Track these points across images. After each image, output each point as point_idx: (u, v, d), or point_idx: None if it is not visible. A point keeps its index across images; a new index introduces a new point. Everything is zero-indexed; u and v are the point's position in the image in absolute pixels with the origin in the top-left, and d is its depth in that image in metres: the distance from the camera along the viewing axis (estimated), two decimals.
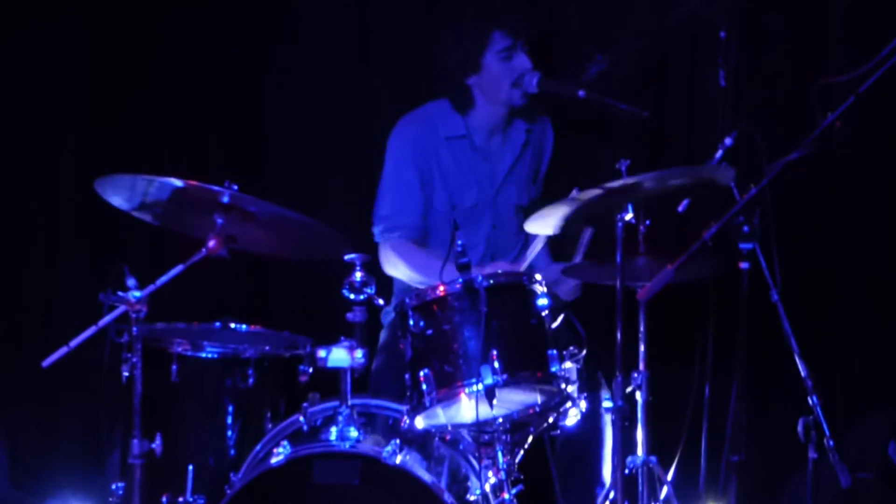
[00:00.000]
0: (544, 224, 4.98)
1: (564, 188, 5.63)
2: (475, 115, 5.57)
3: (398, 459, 4.53)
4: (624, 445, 4.79)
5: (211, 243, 4.57)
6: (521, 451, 4.79)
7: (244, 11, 6.19)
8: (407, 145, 5.56)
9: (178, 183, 4.56)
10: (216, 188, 4.54)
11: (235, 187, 4.57)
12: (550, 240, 5.32)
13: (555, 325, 4.72)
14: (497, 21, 5.45)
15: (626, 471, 4.86)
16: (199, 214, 4.63)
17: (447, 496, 4.53)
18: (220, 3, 6.22)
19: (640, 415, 4.96)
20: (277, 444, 4.66)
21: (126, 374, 4.60)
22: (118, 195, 4.71)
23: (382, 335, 5.56)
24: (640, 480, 4.93)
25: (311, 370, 4.89)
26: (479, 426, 4.60)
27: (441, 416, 4.69)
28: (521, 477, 4.74)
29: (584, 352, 4.78)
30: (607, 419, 5.08)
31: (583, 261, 5.20)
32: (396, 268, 5.45)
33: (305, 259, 5.03)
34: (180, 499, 4.86)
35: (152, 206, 4.74)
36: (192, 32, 6.25)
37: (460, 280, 4.59)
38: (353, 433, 4.63)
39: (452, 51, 5.52)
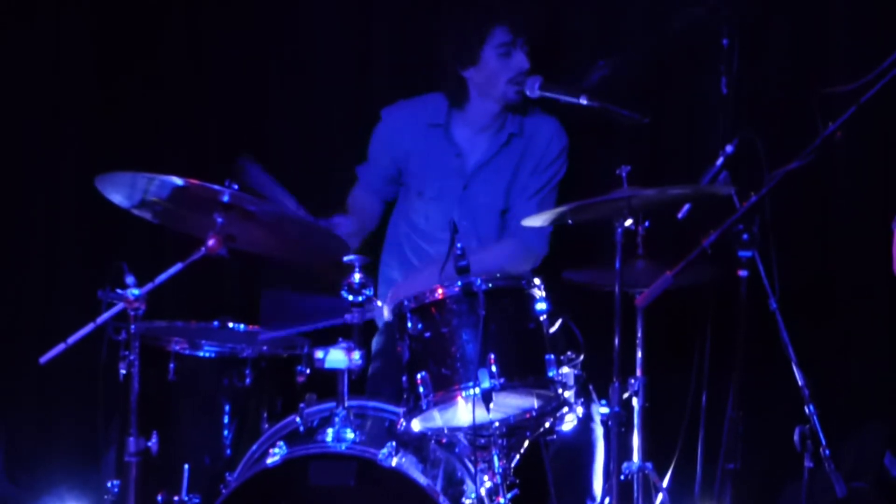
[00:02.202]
0: (537, 220, 5.05)
1: (564, 192, 5.68)
2: (468, 110, 5.59)
3: (394, 462, 4.53)
4: (620, 452, 4.79)
5: (210, 242, 4.57)
6: (517, 456, 4.79)
7: (245, 8, 6.19)
8: (391, 125, 5.68)
9: (178, 181, 4.56)
10: (216, 187, 4.54)
11: (236, 187, 4.57)
12: None
13: (553, 329, 4.72)
14: (499, 16, 5.47)
15: (622, 477, 4.86)
16: (199, 213, 4.63)
17: (442, 499, 4.53)
18: (221, 1, 6.22)
19: (636, 421, 4.97)
20: (273, 445, 4.66)
21: (123, 371, 4.60)
22: (118, 192, 4.71)
23: (378, 340, 5.57)
24: (635, 487, 4.95)
25: (308, 371, 4.90)
26: (475, 430, 4.60)
27: (437, 419, 4.70)
28: (517, 481, 4.74)
29: (582, 357, 4.78)
30: (598, 434, 5.08)
31: None
32: None
33: (304, 261, 5.03)
34: (175, 497, 4.86)
35: (152, 204, 4.74)
36: (192, 30, 6.26)
37: (459, 283, 4.59)
38: (350, 435, 4.63)
39: (452, 41, 5.55)
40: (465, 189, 5.61)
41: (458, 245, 4.63)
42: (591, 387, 5.01)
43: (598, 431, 5.09)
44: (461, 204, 5.59)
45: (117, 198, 4.74)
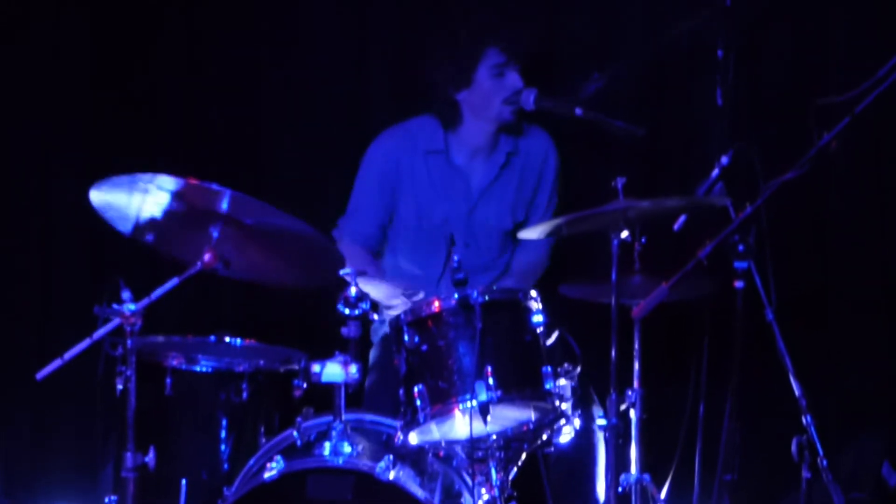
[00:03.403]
0: (534, 232, 5.08)
1: (561, 204, 5.68)
2: (461, 132, 5.57)
3: (391, 475, 4.52)
4: (618, 463, 4.79)
5: (206, 257, 4.57)
6: (515, 468, 4.78)
7: (243, 23, 6.20)
8: (379, 158, 5.61)
9: (175, 183, 4.56)
10: (214, 186, 4.53)
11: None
12: None
13: (549, 341, 4.72)
14: (492, 37, 5.46)
15: (620, 488, 4.86)
16: (195, 228, 4.62)
17: None
18: (219, 14, 6.22)
19: (633, 433, 4.97)
20: (271, 459, 4.65)
21: (120, 386, 4.60)
22: (114, 210, 4.70)
23: (374, 353, 5.57)
24: (633, 498, 4.95)
25: (305, 385, 4.89)
26: (472, 442, 4.60)
27: (435, 431, 4.69)
28: (515, 494, 4.73)
29: (579, 369, 4.78)
30: (600, 436, 5.08)
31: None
32: None
33: (300, 283, 5.03)
34: None
35: (147, 227, 4.74)
36: (192, 43, 6.26)
37: (456, 296, 4.59)
38: (347, 448, 4.63)
39: (444, 64, 5.53)
40: (471, 213, 5.60)
41: (455, 258, 4.63)
42: (592, 392, 5.01)
43: (600, 436, 5.08)
44: (466, 227, 5.58)
45: (113, 214, 4.74)
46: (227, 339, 5.19)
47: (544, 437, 4.74)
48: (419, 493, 4.56)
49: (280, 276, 4.91)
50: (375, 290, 5.10)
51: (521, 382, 4.59)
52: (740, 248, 4.57)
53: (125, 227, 4.75)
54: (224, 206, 4.56)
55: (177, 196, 4.59)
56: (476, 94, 5.50)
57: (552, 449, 4.83)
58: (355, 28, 6.25)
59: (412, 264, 5.63)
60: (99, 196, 4.63)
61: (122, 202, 4.67)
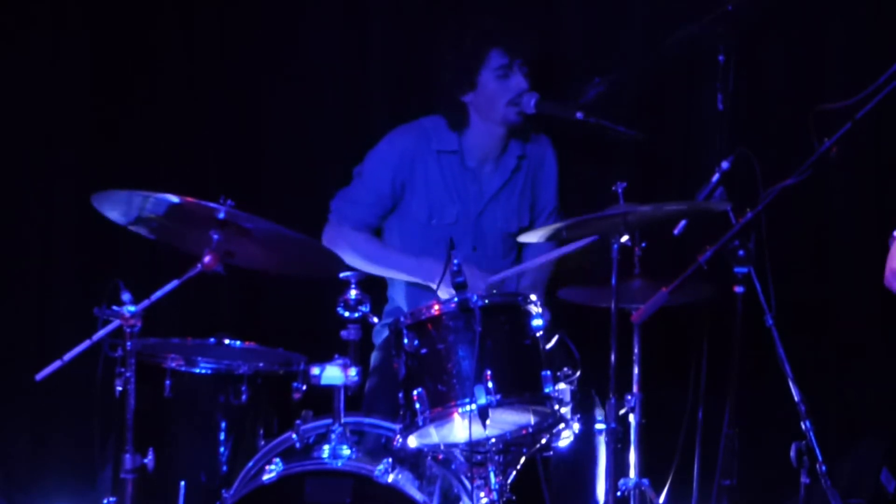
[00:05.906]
0: (534, 236, 5.08)
1: (561, 209, 5.69)
2: (469, 135, 5.58)
3: (390, 478, 4.53)
4: (616, 468, 4.79)
5: (206, 259, 4.57)
6: (514, 472, 4.78)
7: (242, 30, 6.20)
8: (396, 154, 5.59)
9: (173, 199, 4.56)
10: (211, 204, 4.54)
11: (231, 203, 4.56)
12: None
13: (549, 346, 4.72)
14: (495, 39, 5.47)
15: (619, 493, 4.86)
16: (195, 230, 4.63)
17: None
18: (219, 23, 6.23)
19: (632, 437, 4.97)
20: (269, 462, 4.65)
21: (119, 388, 4.60)
22: (115, 210, 4.71)
23: (375, 356, 5.57)
24: (632, 503, 4.94)
25: (304, 388, 4.89)
26: (471, 446, 4.60)
27: (434, 435, 4.69)
28: (514, 498, 4.72)
29: (578, 373, 4.78)
30: (601, 440, 5.08)
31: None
32: (342, 250, 5.40)
33: (301, 276, 5.03)
34: None
35: (148, 220, 4.74)
36: (189, 51, 6.26)
37: (455, 299, 4.59)
38: (346, 451, 4.63)
39: (450, 67, 5.54)
40: (480, 215, 5.60)
41: (455, 261, 4.63)
42: (595, 396, 5.01)
43: (601, 439, 5.08)
44: (475, 229, 5.59)
45: (114, 214, 4.74)
46: (227, 342, 5.19)
47: (543, 441, 4.73)
48: (418, 496, 4.56)
49: (282, 268, 4.92)
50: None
51: (520, 386, 4.58)
52: (740, 253, 4.57)
53: (125, 222, 4.76)
54: (221, 215, 4.57)
55: (175, 209, 4.60)
56: (481, 96, 5.51)
57: (551, 453, 4.83)
58: (356, 31, 6.24)
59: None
60: (98, 201, 4.64)
61: (123, 208, 4.68)
